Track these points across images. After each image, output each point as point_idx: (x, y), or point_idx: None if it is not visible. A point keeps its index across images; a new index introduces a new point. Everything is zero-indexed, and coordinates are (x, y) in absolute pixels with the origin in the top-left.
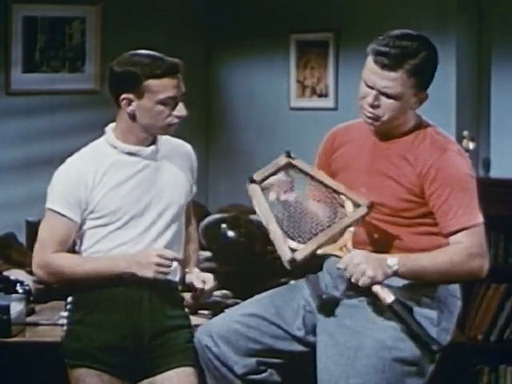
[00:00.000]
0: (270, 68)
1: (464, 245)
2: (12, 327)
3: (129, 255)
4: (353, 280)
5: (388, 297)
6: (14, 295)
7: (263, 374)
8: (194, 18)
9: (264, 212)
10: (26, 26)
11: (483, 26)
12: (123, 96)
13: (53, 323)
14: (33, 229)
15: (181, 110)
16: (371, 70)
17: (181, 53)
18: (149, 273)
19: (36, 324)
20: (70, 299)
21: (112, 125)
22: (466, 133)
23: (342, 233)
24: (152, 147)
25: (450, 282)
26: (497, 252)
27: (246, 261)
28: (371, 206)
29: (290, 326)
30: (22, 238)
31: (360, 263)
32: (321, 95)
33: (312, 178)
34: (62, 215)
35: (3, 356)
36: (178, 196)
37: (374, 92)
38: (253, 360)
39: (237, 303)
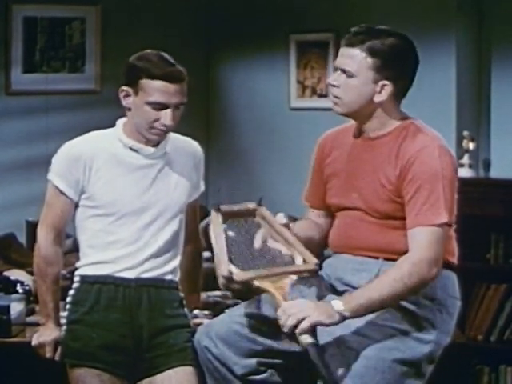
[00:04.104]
0: (270, 68)
1: (419, 255)
2: (12, 327)
3: (50, 327)
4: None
5: (309, 338)
6: (14, 295)
7: (263, 375)
8: (194, 19)
9: (217, 238)
10: (26, 26)
11: (483, 26)
12: (122, 87)
13: None
14: (33, 229)
15: (166, 118)
16: (339, 52)
17: (181, 53)
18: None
19: (36, 324)
20: (68, 299)
21: (124, 119)
22: (466, 133)
23: (283, 276)
24: (155, 147)
25: (407, 296)
26: (497, 252)
27: None
28: (319, 269)
29: None
30: (22, 239)
31: (301, 310)
32: (321, 95)
33: (273, 228)
34: (60, 191)
35: (3, 356)
36: (180, 196)
37: (337, 71)
38: (253, 361)
39: (237, 303)
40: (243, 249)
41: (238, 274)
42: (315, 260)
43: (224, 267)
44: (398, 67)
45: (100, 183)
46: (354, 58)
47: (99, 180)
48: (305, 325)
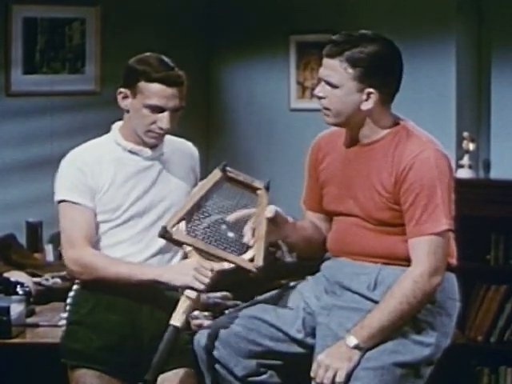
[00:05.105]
0: (270, 69)
1: (419, 270)
2: (12, 328)
3: (163, 266)
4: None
5: (176, 319)
6: (14, 297)
7: (263, 376)
8: (193, 20)
9: (196, 192)
10: (26, 27)
11: (483, 26)
12: (121, 89)
13: (53, 324)
14: (33, 230)
15: (163, 121)
16: (322, 62)
17: (181, 54)
18: (186, 279)
19: (36, 325)
20: (68, 300)
21: (119, 122)
22: (466, 134)
23: (216, 259)
24: (153, 149)
25: (417, 311)
26: (497, 253)
27: None
28: (257, 273)
29: (289, 329)
30: (22, 239)
31: (328, 366)
32: None
33: (259, 216)
34: (77, 203)
35: (3, 357)
36: (179, 196)
37: (321, 82)
38: (253, 362)
39: (237, 305)
40: (213, 213)
41: (176, 232)
42: (258, 264)
43: (171, 220)
44: (381, 74)
45: (104, 190)
46: (335, 70)
47: (104, 187)
48: (340, 380)
